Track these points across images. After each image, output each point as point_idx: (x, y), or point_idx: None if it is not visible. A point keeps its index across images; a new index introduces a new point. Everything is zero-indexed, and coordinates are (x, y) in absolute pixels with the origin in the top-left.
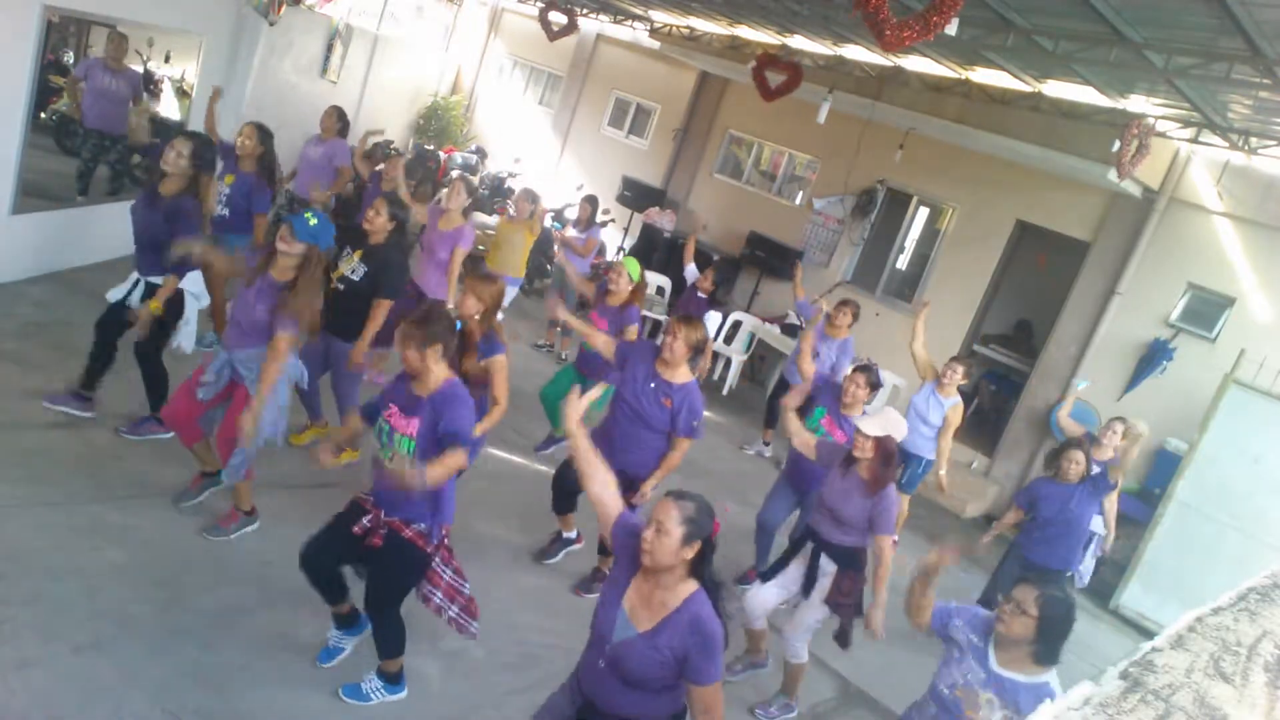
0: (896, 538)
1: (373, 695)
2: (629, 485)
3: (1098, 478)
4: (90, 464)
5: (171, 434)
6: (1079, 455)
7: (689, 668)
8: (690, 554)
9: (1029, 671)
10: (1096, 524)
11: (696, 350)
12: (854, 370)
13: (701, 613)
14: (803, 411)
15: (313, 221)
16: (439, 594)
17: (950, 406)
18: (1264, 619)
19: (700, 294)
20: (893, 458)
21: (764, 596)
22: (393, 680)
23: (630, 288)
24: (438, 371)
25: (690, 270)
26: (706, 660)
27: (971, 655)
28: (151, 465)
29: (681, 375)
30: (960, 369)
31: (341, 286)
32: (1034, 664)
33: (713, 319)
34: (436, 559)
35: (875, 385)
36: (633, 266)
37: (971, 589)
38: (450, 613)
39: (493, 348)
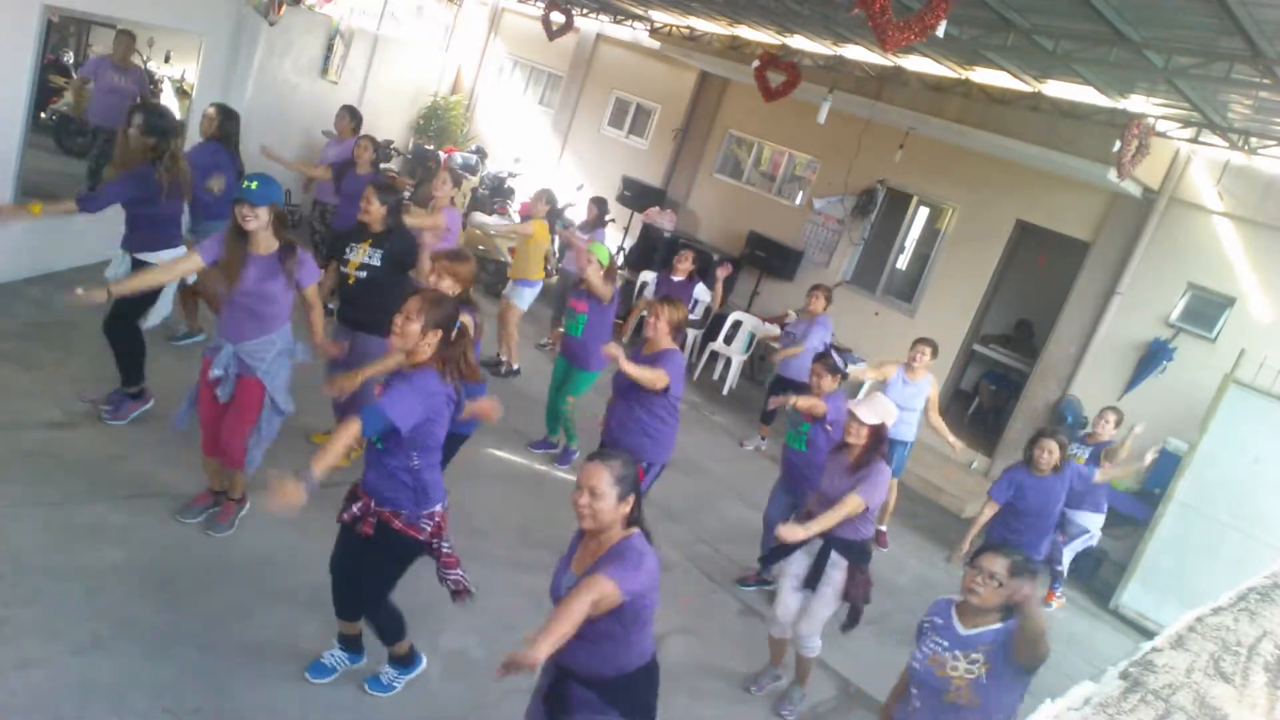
0: (882, 527)
1: (395, 684)
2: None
3: (1082, 473)
4: (90, 464)
5: (152, 403)
6: (1052, 445)
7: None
8: (627, 509)
9: (994, 622)
10: (1088, 521)
11: (678, 328)
12: (814, 362)
13: (634, 543)
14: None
15: (254, 185)
16: (453, 571)
17: (924, 388)
18: (1264, 619)
19: (675, 278)
20: (882, 443)
21: (789, 604)
22: (406, 662)
23: (602, 273)
24: (424, 356)
25: (701, 288)
26: (613, 561)
27: (936, 633)
28: (152, 465)
29: (665, 344)
30: (928, 350)
31: (363, 274)
32: (999, 621)
33: (702, 291)
34: (436, 541)
35: (834, 370)
36: (601, 252)
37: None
38: (462, 581)
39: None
